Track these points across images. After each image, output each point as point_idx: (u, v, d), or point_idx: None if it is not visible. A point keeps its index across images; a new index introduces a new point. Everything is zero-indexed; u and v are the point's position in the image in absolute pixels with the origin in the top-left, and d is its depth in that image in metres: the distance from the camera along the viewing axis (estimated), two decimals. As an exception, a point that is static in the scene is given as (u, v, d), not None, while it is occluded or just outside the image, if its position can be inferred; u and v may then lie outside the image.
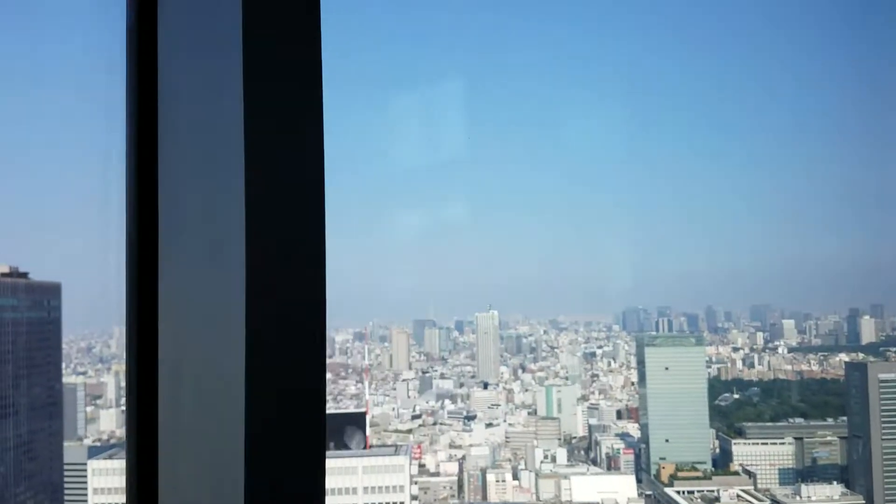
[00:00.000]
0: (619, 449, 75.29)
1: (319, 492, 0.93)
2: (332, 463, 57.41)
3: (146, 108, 0.87)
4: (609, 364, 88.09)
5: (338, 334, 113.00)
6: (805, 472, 71.57)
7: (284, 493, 0.87)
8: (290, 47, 0.86)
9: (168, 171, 0.85)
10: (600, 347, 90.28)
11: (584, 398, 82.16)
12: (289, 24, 0.86)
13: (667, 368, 74.69)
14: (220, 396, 0.83)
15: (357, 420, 62.69)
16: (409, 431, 75.35)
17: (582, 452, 79.19)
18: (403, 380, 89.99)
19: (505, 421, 77.55)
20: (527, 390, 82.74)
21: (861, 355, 77.26)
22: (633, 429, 77.69)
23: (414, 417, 78.82)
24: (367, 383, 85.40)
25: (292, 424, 0.88)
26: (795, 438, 74.38)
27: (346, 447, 58.86)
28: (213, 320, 0.83)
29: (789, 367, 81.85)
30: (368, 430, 67.17)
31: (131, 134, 0.88)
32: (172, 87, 0.85)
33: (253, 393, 0.81)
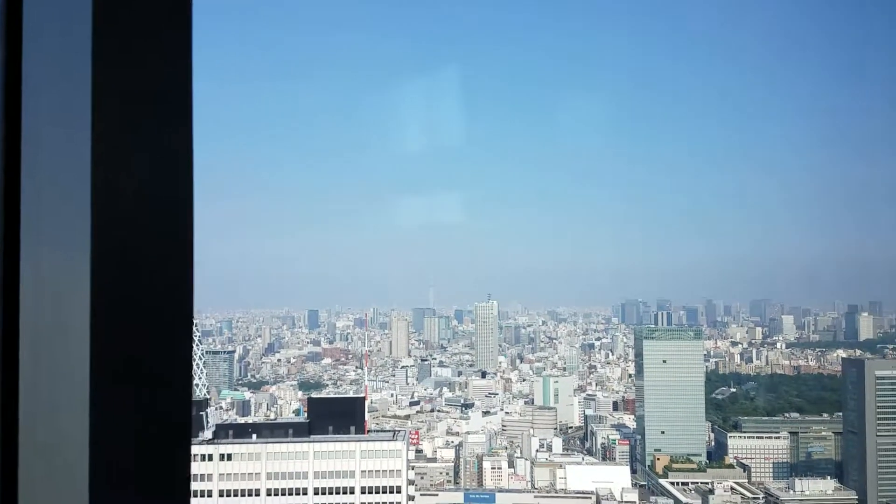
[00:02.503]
0: (614, 439, 75.66)
1: None
2: (330, 446, 57.86)
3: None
4: (607, 356, 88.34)
5: (339, 320, 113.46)
6: (799, 467, 72.08)
7: None
8: (146, 41, 0.85)
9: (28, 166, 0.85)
10: (598, 339, 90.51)
11: (581, 389, 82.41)
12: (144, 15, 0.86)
13: (664, 361, 74.86)
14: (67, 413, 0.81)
15: (356, 405, 63.01)
16: (407, 417, 75.72)
17: (578, 442, 79.57)
18: (402, 367, 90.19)
19: (502, 409, 77.91)
20: (524, 380, 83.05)
21: (858, 352, 77.66)
22: (629, 420, 78.03)
23: (412, 404, 79.21)
24: (366, 369, 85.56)
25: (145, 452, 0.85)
26: (791, 433, 74.74)
27: (345, 431, 59.24)
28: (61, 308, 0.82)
29: (787, 363, 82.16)
30: (367, 415, 67.46)
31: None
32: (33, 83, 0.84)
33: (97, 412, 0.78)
